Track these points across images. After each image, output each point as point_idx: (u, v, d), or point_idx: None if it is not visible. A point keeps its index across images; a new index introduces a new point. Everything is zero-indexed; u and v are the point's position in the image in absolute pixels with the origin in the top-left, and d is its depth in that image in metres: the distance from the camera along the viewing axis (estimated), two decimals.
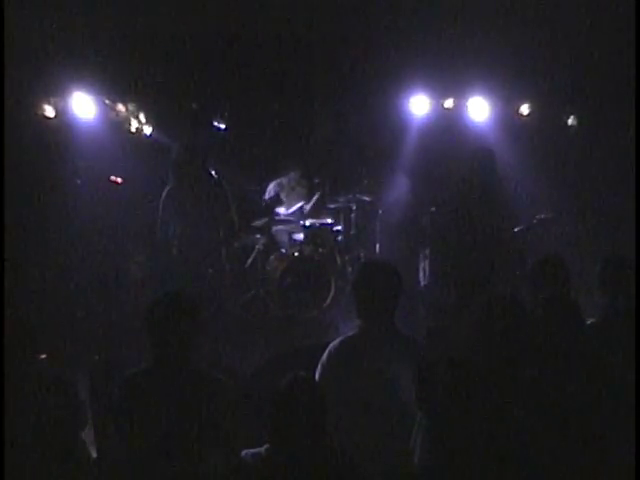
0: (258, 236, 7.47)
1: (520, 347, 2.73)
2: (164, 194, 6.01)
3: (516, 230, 6.51)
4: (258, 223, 7.27)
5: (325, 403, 2.56)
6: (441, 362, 2.60)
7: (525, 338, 2.76)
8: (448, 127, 7.93)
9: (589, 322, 3.73)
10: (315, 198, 7.51)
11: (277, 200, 7.40)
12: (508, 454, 2.45)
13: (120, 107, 7.49)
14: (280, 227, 7.60)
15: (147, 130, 7.70)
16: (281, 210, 7.50)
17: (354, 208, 7.74)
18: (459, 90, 7.75)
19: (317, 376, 3.15)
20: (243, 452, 2.66)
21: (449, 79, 7.58)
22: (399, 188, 8.36)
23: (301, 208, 7.44)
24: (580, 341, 3.10)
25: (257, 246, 7.47)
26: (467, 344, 2.84)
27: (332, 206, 7.74)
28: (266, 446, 2.59)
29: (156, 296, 3.13)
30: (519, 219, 6.60)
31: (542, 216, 6.52)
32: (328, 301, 7.05)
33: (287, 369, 2.70)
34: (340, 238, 7.69)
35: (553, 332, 3.00)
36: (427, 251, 7.79)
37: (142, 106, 7.63)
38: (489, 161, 6.47)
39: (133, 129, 7.66)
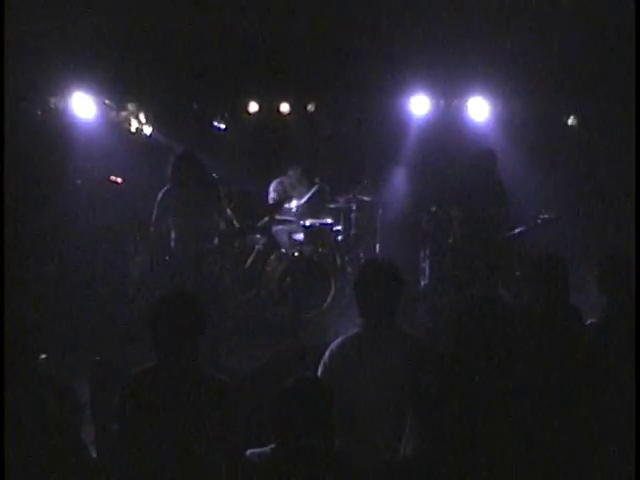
0: (258, 236, 7.48)
1: (509, 347, 2.71)
2: (160, 195, 5.94)
3: (518, 230, 6.52)
4: (258, 223, 7.26)
5: (330, 403, 2.56)
6: (434, 362, 2.60)
7: (512, 338, 2.74)
8: (448, 127, 7.93)
9: (589, 322, 3.73)
10: (312, 191, 7.50)
11: (285, 197, 7.39)
12: (502, 454, 2.45)
13: (120, 107, 7.51)
14: (280, 227, 7.61)
15: (147, 130, 7.71)
16: (292, 204, 7.49)
17: (354, 208, 7.75)
18: (459, 90, 7.75)
19: (319, 375, 3.15)
20: (248, 452, 2.65)
21: (449, 79, 7.58)
22: (399, 188, 8.37)
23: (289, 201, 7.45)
24: (579, 341, 3.10)
25: (257, 246, 7.47)
26: (450, 343, 2.82)
27: (332, 206, 7.75)
28: (271, 446, 2.58)
29: (160, 295, 3.12)
30: (520, 220, 6.61)
31: (545, 216, 6.52)
32: (328, 301, 7.06)
33: (288, 369, 2.70)
34: (340, 238, 7.69)
35: (552, 332, 3.00)
36: (427, 251, 7.80)
37: (142, 106, 7.64)
38: (490, 162, 6.49)
39: (133, 129, 7.67)
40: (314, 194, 7.55)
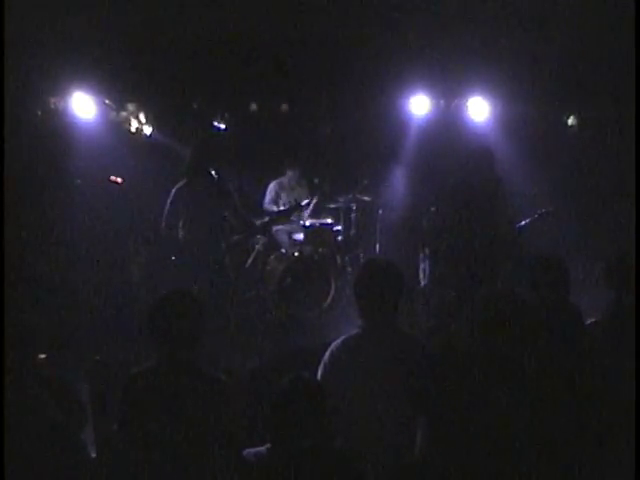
0: (258, 236, 7.47)
1: (522, 344, 2.72)
2: (174, 191, 5.85)
3: (518, 225, 6.53)
4: (258, 223, 7.24)
5: (327, 403, 2.57)
6: (440, 361, 2.59)
7: (527, 335, 2.74)
8: (448, 127, 7.93)
9: (590, 321, 3.73)
10: (313, 202, 7.49)
11: (295, 206, 7.33)
12: (506, 452, 2.45)
13: (120, 107, 7.51)
14: (280, 227, 7.60)
15: (147, 130, 7.71)
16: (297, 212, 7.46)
17: (354, 208, 7.75)
18: (459, 90, 7.75)
19: (319, 376, 3.15)
20: (245, 451, 2.66)
21: (449, 79, 7.58)
22: (399, 188, 8.37)
23: (300, 208, 7.40)
24: (579, 341, 3.09)
25: (257, 246, 7.46)
26: (467, 341, 2.82)
27: (332, 206, 7.74)
28: (267, 445, 2.59)
29: (162, 294, 3.11)
30: (519, 217, 6.62)
31: (542, 210, 6.55)
32: (328, 301, 7.05)
33: (288, 369, 2.71)
34: (340, 238, 7.69)
35: (552, 332, 3.00)
36: (427, 251, 7.79)
37: (142, 106, 7.64)
38: (486, 161, 6.48)
39: (133, 129, 7.67)
40: (313, 205, 7.53)
